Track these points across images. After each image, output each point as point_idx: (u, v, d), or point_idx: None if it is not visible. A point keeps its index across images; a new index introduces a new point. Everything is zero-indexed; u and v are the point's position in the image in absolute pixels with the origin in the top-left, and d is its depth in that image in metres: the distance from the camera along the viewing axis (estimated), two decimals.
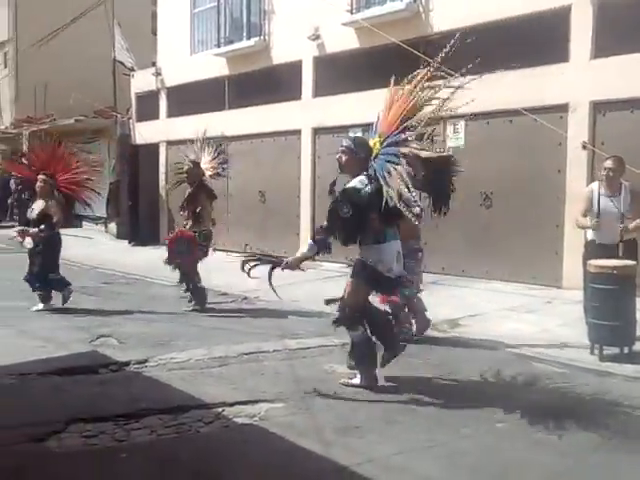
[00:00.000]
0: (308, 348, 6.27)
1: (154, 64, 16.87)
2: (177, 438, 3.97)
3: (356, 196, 4.65)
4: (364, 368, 4.97)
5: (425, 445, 3.85)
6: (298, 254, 5.00)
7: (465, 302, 8.36)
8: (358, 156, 4.86)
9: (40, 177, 8.04)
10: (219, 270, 9.55)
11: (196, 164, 8.35)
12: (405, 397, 4.71)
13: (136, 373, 5.34)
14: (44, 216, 7.87)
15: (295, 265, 5.00)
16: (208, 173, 8.44)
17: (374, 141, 4.91)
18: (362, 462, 3.58)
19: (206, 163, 8.49)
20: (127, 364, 5.54)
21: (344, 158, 4.95)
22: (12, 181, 16.23)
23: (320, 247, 4.87)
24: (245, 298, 8.95)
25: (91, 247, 15.74)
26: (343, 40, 11.80)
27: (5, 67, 27.01)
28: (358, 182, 4.71)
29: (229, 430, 4.12)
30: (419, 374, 5.34)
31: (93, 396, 4.67)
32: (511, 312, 7.78)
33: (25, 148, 19.06)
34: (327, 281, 10.55)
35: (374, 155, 4.81)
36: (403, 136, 4.77)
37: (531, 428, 4.10)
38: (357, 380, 4.96)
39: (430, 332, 6.68)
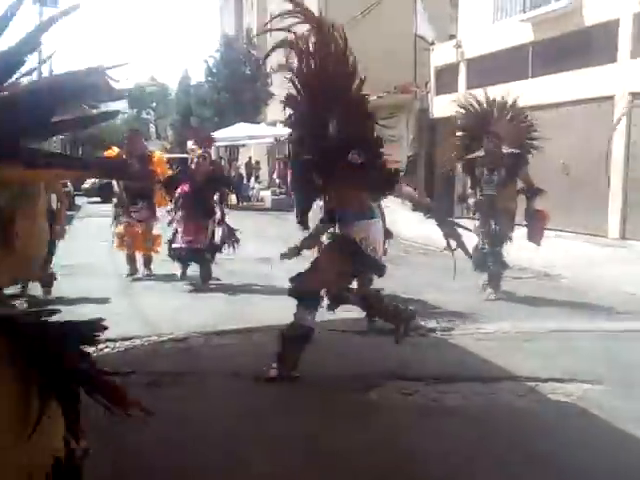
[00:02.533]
0: (624, 331, 5.78)
1: (453, 36, 16.85)
2: (490, 406, 3.96)
3: None
4: (283, 357, 4.45)
5: None
6: None
7: None
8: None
9: None
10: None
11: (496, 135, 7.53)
12: None
13: (443, 340, 5.45)
14: None
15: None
16: (510, 148, 7.66)
17: None
18: None
19: (508, 133, 7.84)
20: (434, 330, 5.67)
21: None
22: None
23: None
24: (546, 275, 8.56)
25: (390, 216, 16.42)
26: None
27: None
28: None
29: (544, 406, 3.98)
30: None
31: (407, 357, 4.87)
32: None
33: None
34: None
35: None
36: None
37: None
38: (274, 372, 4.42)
39: None
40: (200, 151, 8.11)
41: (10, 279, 0.95)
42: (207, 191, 7.98)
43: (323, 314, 5.89)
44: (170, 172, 8.57)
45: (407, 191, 4.79)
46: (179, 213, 7.97)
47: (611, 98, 11.83)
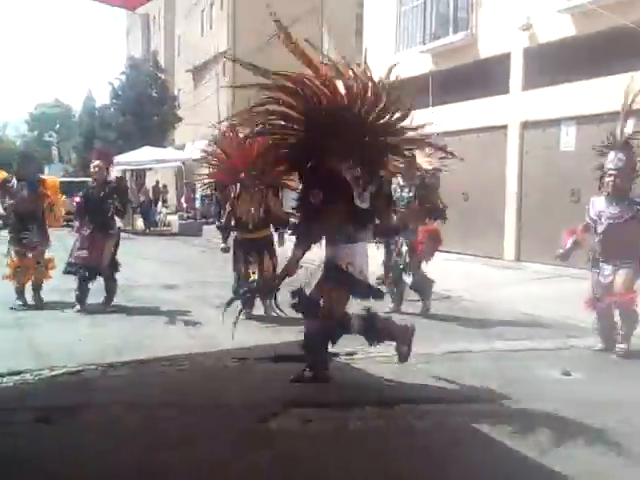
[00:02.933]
0: (517, 350, 6.04)
1: (358, 65, 17.26)
2: (390, 429, 4.01)
3: None
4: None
5: None
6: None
7: None
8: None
9: (244, 176, 7.36)
10: None
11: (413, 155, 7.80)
12: (625, 409, 4.33)
13: (346, 364, 5.49)
14: (267, 214, 7.56)
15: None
16: (425, 166, 7.76)
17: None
18: (581, 476, 3.35)
19: (422, 157, 8.04)
20: (337, 355, 5.70)
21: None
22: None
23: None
24: (447, 297, 8.84)
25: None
26: (558, 28, 11.19)
27: (224, 75, 29.37)
28: None
29: (442, 427, 4.07)
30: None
31: (307, 384, 4.87)
32: None
33: None
34: (533, 283, 10.12)
35: None
36: None
37: None
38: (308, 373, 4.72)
39: None
40: (97, 162, 7.91)
41: None
42: (103, 203, 7.75)
43: (223, 343, 5.87)
44: (63, 197, 8.35)
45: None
46: (76, 225, 7.81)
47: (505, 127, 12.47)
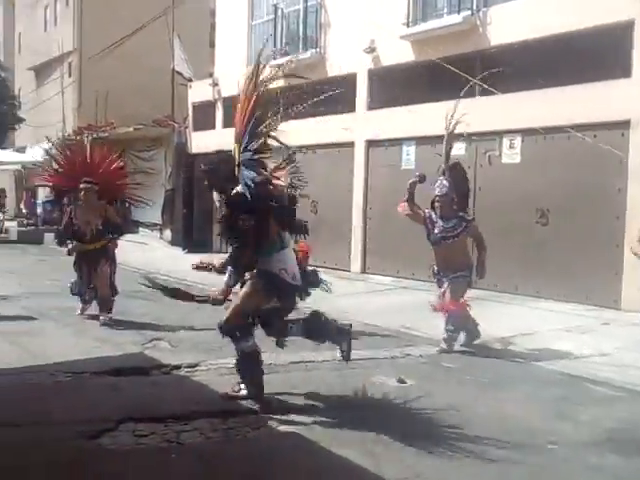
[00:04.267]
0: (357, 360, 6.24)
1: (211, 75, 17.21)
2: (225, 441, 4.01)
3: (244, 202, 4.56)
4: (249, 380, 4.81)
5: (469, 461, 3.77)
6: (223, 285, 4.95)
7: (518, 320, 8.20)
8: (220, 174, 4.84)
9: (84, 185, 7.56)
10: None
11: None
12: (454, 414, 4.63)
13: (187, 376, 5.42)
14: (105, 225, 7.71)
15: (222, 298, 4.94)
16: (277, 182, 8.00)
17: (234, 147, 4.88)
18: (409, 477, 3.54)
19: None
20: (178, 367, 5.62)
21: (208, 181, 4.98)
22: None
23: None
24: (295, 308, 8.96)
25: (146, 253, 16.07)
26: (399, 53, 11.81)
27: (70, 76, 27.97)
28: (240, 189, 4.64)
29: (276, 437, 4.13)
30: (468, 390, 5.27)
31: (145, 397, 4.76)
32: (565, 332, 7.58)
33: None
34: (376, 294, 10.55)
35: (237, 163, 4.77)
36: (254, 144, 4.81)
37: (586, 452, 3.98)
38: (244, 392, 4.81)
39: (481, 349, 6.60)
40: None
41: None
42: None
43: (58, 356, 5.58)
44: None
45: None
46: None
47: (351, 145, 12.93)
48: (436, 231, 6.65)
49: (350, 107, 12.88)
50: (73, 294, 8.01)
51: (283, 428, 4.23)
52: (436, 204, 6.70)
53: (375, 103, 12.52)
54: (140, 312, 8.26)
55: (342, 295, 10.25)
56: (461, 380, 5.61)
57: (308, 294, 5.13)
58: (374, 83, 12.57)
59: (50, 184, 8.42)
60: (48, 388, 4.82)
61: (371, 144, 12.63)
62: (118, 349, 6.24)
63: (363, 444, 3.92)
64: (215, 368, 5.68)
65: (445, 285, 6.64)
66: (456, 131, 6.94)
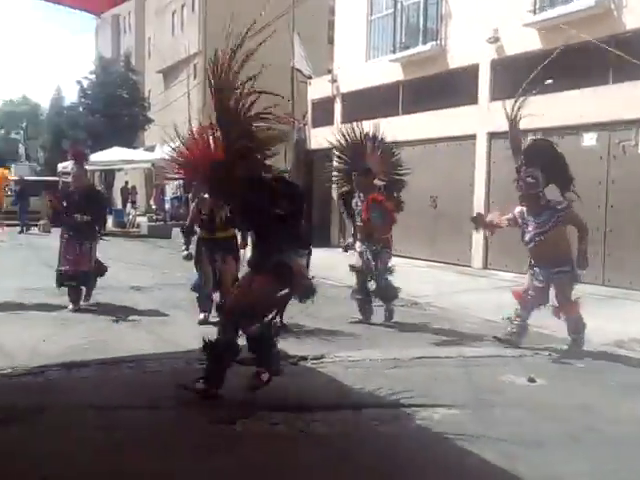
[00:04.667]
0: (482, 357, 6.12)
1: (330, 71, 17.39)
2: (354, 434, 4.04)
3: None
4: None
5: (611, 468, 3.59)
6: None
7: None
8: None
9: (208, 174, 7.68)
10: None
11: (367, 170, 7.69)
12: (590, 416, 4.43)
13: (314, 368, 5.52)
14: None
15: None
16: (381, 177, 7.73)
17: None
18: (545, 478, 3.43)
19: (379, 167, 7.83)
20: (305, 358, 5.73)
21: None
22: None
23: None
24: (415, 303, 8.92)
25: None
26: (524, 42, 11.40)
27: (195, 78, 29.23)
28: None
29: (405, 431, 4.12)
30: (602, 391, 5.01)
31: (275, 386, 4.86)
32: None
33: None
34: (499, 291, 10.26)
35: None
36: None
37: None
38: (265, 376, 4.61)
39: (618, 350, 6.27)
40: (76, 168, 7.92)
41: None
42: (86, 209, 7.74)
43: (191, 345, 5.85)
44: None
45: None
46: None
47: (473, 137, 12.64)
48: (530, 228, 6.22)
49: (472, 99, 12.59)
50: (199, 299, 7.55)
51: (412, 424, 4.21)
52: (524, 202, 6.27)
53: (498, 94, 12.15)
54: None
55: (463, 291, 10.09)
56: (593, 381, 5.34)
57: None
58: (497, 74, 12.20)
59: (179, 178, 8.72)
60: (184, 374, 5.06)
61: (493, 136, 12.27)
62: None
63: (496, 443, 3.83)
64: (340, 360, 5.75)
65: (542, 278, 6.18)
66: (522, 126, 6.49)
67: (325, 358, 5.78)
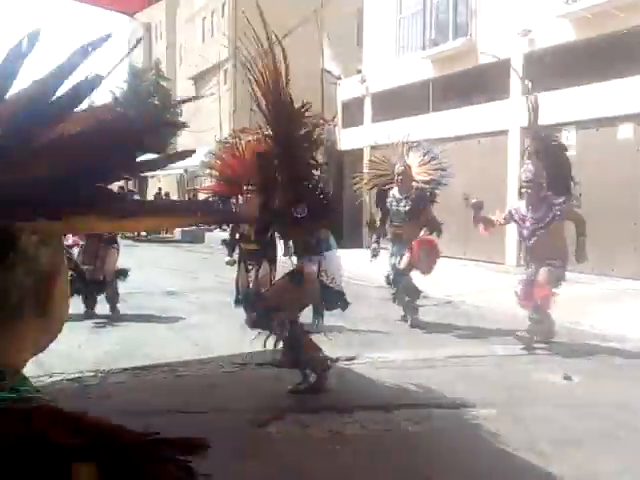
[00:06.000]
0: (515, 355, 6.02)
1: (359, 71, 17.35)
2: (386, 434, 4.01)
3: None
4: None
5: None
6: None
7: None
8: None
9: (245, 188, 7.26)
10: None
11: (408, 167, 7.66)
12: (626, 413, 4.31)
13: (346, 369, 5.49)
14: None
15: None
16: (420, 178, 7.67)
17: None
18: (582, 477, 3.34)
19: (416, 167, 7.80)
20: (337, 360, 5.70)
21: None
22: None
23: None
24: (449, 302, 8.83)
25: None
26: (557, 34, 11.20)
27: (225, 83, 29.48)
28: None
29: (438, 431, 4.07)
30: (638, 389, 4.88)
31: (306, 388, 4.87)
32: None
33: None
34: None
35: None
36: None
37: None
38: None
39: None
40: None
41: (37, 350, 0.75)
42: None
43: (223, 349, 5.88)
44: None
45: None
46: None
47: (505, 132, 12.46)
48: (528, 224, 6.18)
49: (504, 94, 12.42)
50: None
51: (446, 424, 4.16)
52: (522, 190, 6.30)
53: (531, 88, 11.96)
54: None
55: (498, 289, 9.93)
56: (631, 377, 5.20)
57: (346, 305, 4.92)
58: (529, 67, 12.01)
59: (215, 193, 8.67)
60: (218, 378, 5.08)
61: (526, 132, 12.07)
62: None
63: (531, 443, 3.76)
64: (371, 362, 5.71)
65: (532, 269, 6.29)
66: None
67: (357, 359, 5.75)
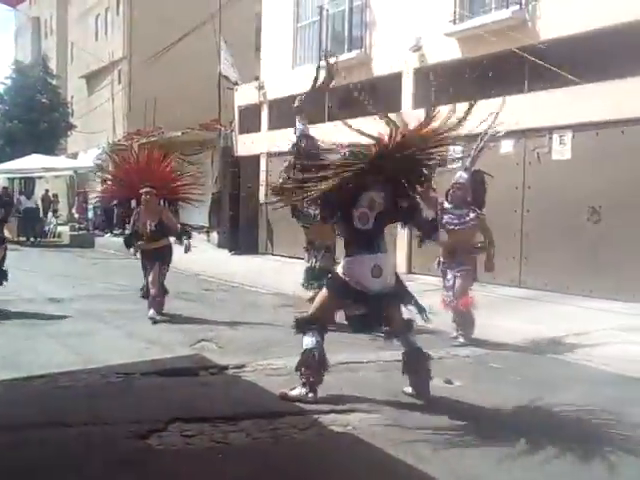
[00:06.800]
0: (401, 361, 6.17)
1: (257, 78, 17.35)
2: (272, 443, 4.01)
3: None
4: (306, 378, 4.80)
5: (519, 462, 3.69)
6: None
7: (569, 320, 7.99)
8: None
9: (145, 190, 7.84)
10: None
11: None
12: (505, 415, 4.54)
13: (234, 377, 5.45)
14: (161, 226, 8.00)
15: None
16: None
17: None
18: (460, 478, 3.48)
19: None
20: (226, 368, 5.66)
21: None
22: None
23: None
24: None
25: (193, 255, 16.23)
26: (445, 51, 11.68)
27: (119, 83, 28.62)
28: None
29: (323, 438, 4.12)
30: (517, 391, 5.15)
31: (193, 397, 4.80)
32: (619, 332, 7.35)
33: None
34: (424, 294, 10.42)
35: None
36: None
37: None
38: (296, 392, 4.76)
39: (531, 350, 6.48)
40: None
41: None
42: None
43: (109, 359, 5.68)
44: None
45: None
46: None
47: None
48: (445, 217, 6.71)
49: (396, 107, 12.77)
50: (142, 297, 8.24)
51: (331, 430, 4.21)
52: (451, 190, 6.88)
53: (421, 102, 12.39)
54: (188, 313, 8.39)
55: None
56: (509, 381, 5.49)
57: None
58: (419, 82, 12.44)
59: (110, 197, 8.99)
60: (99, 388, 4.91)
61: None
62: (167, 350, 6.33)
63: (410, 446, 3.87)
64: (262, 369, 5.70)
65: (450, 277, 6.91)
66: (492, 131, 7.06)
67: (246, 367, 5.72)
